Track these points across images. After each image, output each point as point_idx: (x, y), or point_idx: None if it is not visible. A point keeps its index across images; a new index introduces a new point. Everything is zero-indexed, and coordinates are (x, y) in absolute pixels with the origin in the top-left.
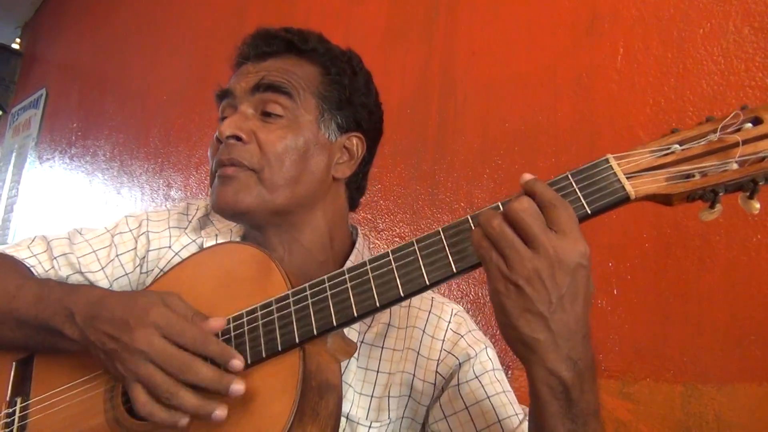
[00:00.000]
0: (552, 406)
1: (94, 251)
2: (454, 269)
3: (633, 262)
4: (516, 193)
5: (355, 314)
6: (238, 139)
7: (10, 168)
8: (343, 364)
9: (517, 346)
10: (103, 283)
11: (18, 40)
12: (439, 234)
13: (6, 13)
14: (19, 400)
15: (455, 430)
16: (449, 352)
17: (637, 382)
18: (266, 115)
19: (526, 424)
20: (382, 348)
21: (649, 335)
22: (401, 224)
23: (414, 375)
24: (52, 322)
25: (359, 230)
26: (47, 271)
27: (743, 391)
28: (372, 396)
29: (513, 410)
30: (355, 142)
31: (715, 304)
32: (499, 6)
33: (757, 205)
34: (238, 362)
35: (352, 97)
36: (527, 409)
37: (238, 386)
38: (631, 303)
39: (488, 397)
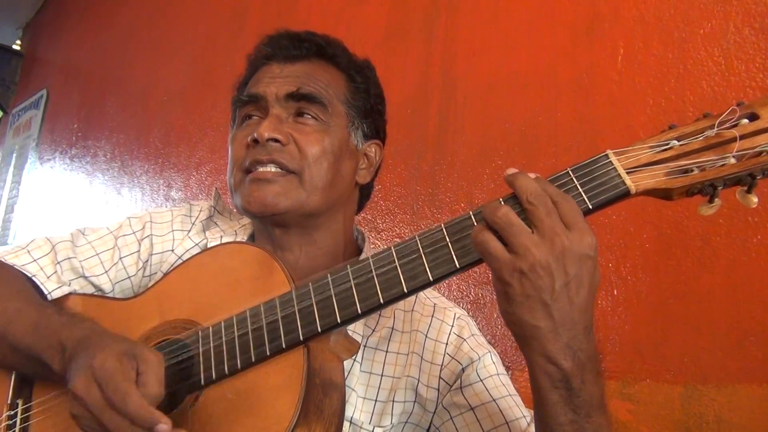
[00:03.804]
0: (552, 395)
1: (97, 254)
2: (457, 265)
3: (633, 263)
4: (508, 194)
5: (359, 311)
6: (276, 141)
7: (11, 169)
8: (347, 368)
9: (517, 332)
10: (106, 287)
11: (19, 41)
12: (442, 230)
13: (7, 14)
14: (20, 402)
15: (461, 430)
16: (453, 357)
17: (637, 382)
18: (300, 115)
19: (533, 427)
20: (387, 352)
21: (649, 336)
22: (401, 224)
23: (419, 380)
24: (45, 354)
25: (365, 235)
26: (49, 277)
27: (743, 391)
28: (376, 400)
29: (521, 412)
30: (374, 149)
31: (715, 304)
32: (500, 6)
33: (755, 199)
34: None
35: (375, 107)
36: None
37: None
38: (632, 303)
39: (494, 400)
